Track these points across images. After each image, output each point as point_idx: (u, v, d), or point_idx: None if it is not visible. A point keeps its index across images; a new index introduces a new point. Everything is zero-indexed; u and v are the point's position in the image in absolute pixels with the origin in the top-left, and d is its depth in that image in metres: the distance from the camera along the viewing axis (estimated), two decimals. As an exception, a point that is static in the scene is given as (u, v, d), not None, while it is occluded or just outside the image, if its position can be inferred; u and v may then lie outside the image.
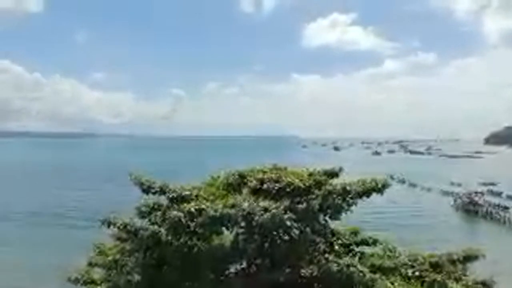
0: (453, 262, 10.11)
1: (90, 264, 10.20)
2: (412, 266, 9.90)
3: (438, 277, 9.41)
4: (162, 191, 9.42)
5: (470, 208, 49.84)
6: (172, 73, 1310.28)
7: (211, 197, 9.40)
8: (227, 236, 9.65)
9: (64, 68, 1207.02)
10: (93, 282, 10.20)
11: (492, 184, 66.55)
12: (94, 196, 58.64)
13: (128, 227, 8.91)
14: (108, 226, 9.02)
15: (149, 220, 9.24)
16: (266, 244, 9.34)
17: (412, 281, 9.50)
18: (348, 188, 9.02)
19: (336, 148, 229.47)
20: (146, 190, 9.44)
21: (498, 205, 48.17)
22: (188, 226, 8.58)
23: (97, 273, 10.22)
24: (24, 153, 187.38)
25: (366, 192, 9.12)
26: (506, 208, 46.69)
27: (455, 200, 53.92)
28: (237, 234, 9.38)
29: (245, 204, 8.58)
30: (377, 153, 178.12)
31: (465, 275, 10.20)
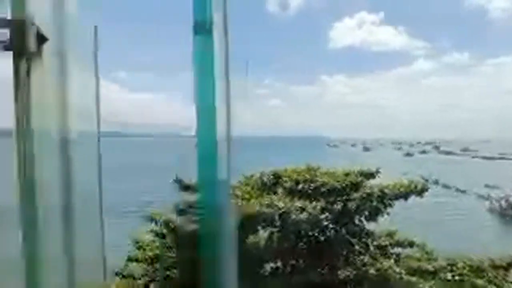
0: (495, 267, 9.82)
1: (129, 259, 10.49)
2: (452, 270, 9.69)
3: (480, 282, 9.17)
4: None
5: (508, 212, 48.07)
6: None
7: (247, 196, 9.51)
8: (262, 235, 9.73)
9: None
10: (131, 276, 10.50)
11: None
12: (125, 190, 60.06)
13: (170, 224, 9.14)
14: (151, 222, 9.28)
15: (187, 218, 9.45)
16: (301, 244, 9.38)
17: (452, 285, 9.30)
18: (386, 190, 8.92)
19: (366, 149, 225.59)
20: (184, 187, 9.65)
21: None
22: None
23: (136, 268, 10.51)
24: None
25: (405, 195, 9.00)
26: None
27: (491, 203, 52.13)
28: (272, 233, 9.45)
29: (281, 204, 8.65)
30: (409, 154, 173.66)
31: (506, 281, 9.89)
